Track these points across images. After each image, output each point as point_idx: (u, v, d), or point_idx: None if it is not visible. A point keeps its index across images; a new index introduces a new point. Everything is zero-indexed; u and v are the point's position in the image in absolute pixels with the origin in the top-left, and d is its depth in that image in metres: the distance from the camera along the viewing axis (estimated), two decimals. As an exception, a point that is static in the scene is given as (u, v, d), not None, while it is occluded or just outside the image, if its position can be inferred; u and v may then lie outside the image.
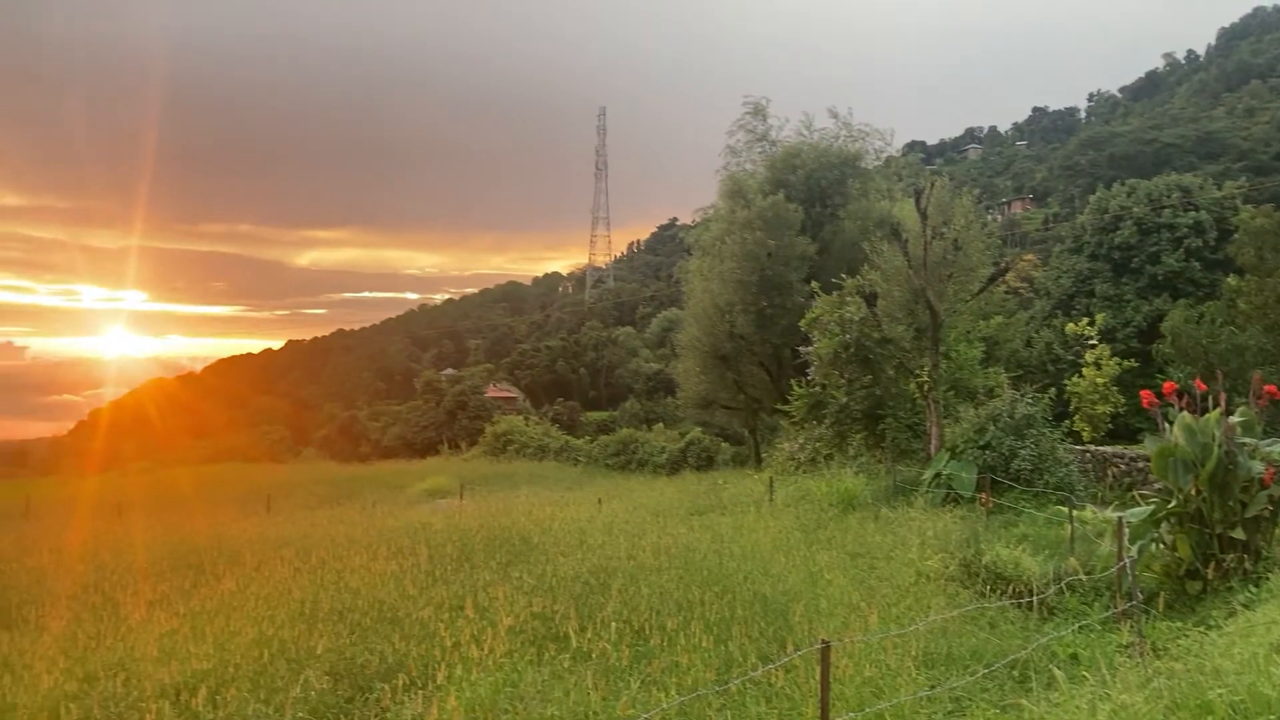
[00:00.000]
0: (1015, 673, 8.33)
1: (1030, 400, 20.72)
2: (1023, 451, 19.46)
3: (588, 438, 52.82)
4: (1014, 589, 11.26)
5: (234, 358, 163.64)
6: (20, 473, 61.27)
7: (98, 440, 66.22)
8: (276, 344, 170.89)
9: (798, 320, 29.22)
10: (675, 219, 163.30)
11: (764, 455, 36.76)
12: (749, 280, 34.84)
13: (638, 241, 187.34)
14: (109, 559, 13.87)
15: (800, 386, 27.57)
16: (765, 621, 9.40)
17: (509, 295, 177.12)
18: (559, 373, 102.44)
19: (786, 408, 28.59)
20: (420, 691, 7.55)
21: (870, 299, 24.33)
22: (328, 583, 11.20)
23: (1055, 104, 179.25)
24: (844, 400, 25.47)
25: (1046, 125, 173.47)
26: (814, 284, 28.53)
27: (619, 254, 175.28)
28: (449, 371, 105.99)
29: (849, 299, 25.50)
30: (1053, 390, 23.35)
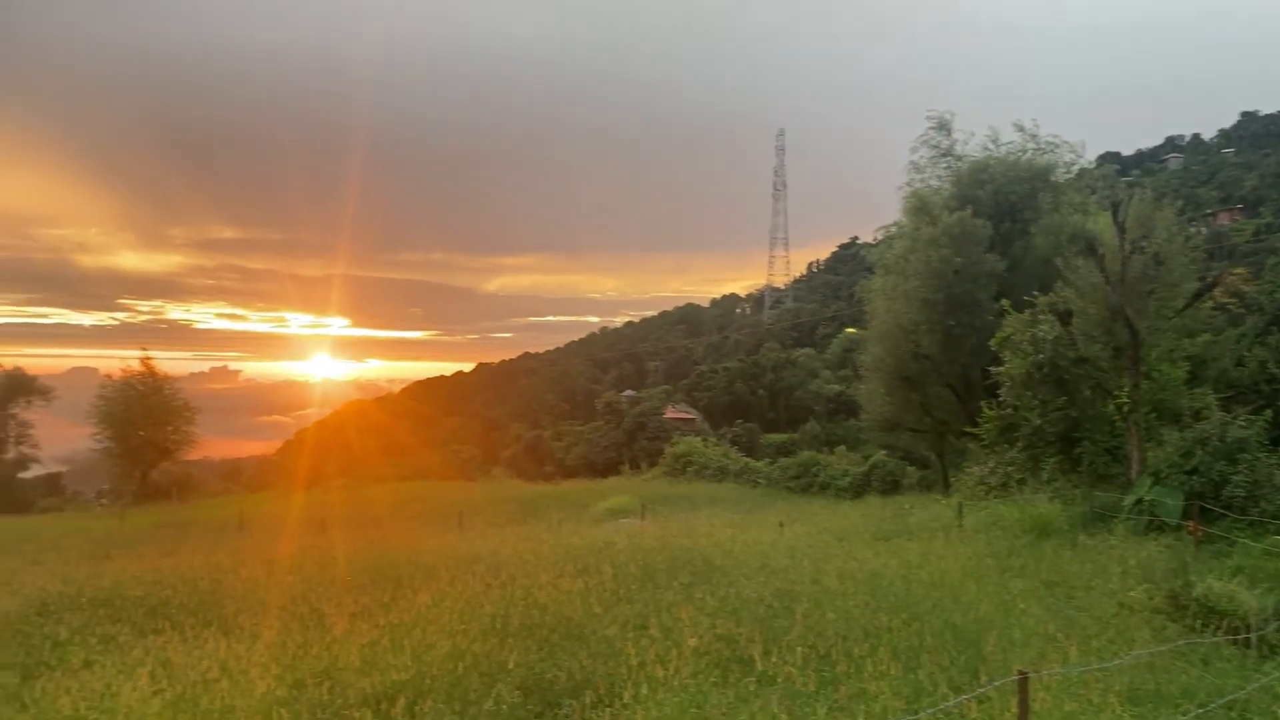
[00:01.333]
0: (1233, 714, 7.81)
1: (1243, 423, 19.40)
2: (1235, 477, 18.22)
3: (767, 460, 52.48)
4: (1229, 624, 10.55)
5: (427, 380, 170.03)
6: (234, 488, 65.24)
7: (303, 458, 69.89)
8: (467, 367, 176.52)
9: (987, 340, 28.27)
10: (856, 238, 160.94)
11: (951, 480, 35.63)
12: (935, 299, 33.93)
13: (817, 261, 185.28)
14: (315, 572, 14.62)
15: (990, 408, 26.61)
16: (956, 650, 9.12)
17: (687, 317, 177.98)
18: (737, 394, 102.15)
19: (975, 430, 27.64)
20: (608, 709, 7.66)
21: (1065, 317, 23.33)
22: (517, 599, 11.48)
23: (1267, 108, 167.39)
24: (1037, 423, 24.45)
25: (1258, 130, 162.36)
26: (1004, 302, 27.52)
27: (798, 274, 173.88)
28: (629, 393, 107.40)
29: (1042, 317, 24.51)
30: (1268, 412, 21.74)
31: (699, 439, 57.93)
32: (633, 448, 67.82)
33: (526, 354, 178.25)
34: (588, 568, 13.76)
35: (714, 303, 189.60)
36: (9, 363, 63.96)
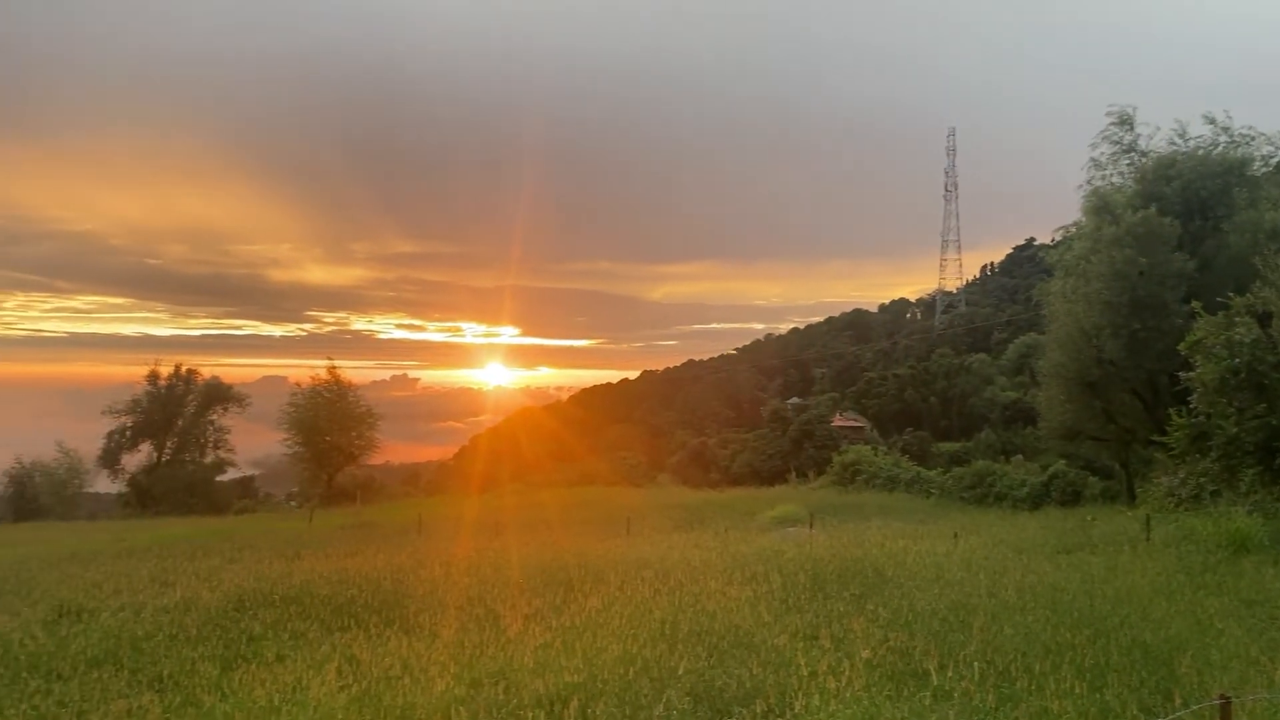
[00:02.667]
0: None
1: None
2: None
3: (940, 469, 51.07)
4: None
5: (594, 387, 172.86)
6: (413, 492, 67.68)
7: (477, 464, 71.97)
8: (632, 374, 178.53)
9: (1176, 344, 26.76)
10: (1032, 239, 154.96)
11: (1137, 491, 33.94)
12: (1118, 301, 32.37)
13: (991, 264, 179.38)
14: (490, 574, 15.03)
15: (1180, 416, 25.20)
16: (1146, 670, 8.67)
17: (854, 323, 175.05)
18: (908, 401, 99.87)
19: (1164, 439, 26.20)
20: (779, 719, 7.59)
21: (1264, 319, 21.90)
22: (686, 605, 11.52)
23: None
24: (1233, 431, 22.99)
25: None
26: (1194, 304, 26.04)
27: (970, 277, 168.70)
28: (795, 400, 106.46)
29: (1238, 319, 23.07)
30: None
31: (868, 447, 56.89)
32: (799, 456, 67.10)
33: (691, 361, 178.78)
34: (756, 576, 13.71)
35: (883, 308, 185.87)
36: (207, 372, 67.92)
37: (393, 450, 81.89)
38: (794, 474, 58.35)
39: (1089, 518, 25.37)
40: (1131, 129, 37.83)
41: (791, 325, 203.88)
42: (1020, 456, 61.82)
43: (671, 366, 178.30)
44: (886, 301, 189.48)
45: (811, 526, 26.45)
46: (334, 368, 58.48)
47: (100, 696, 8.96)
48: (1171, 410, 26.06)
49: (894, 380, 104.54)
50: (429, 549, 20.21)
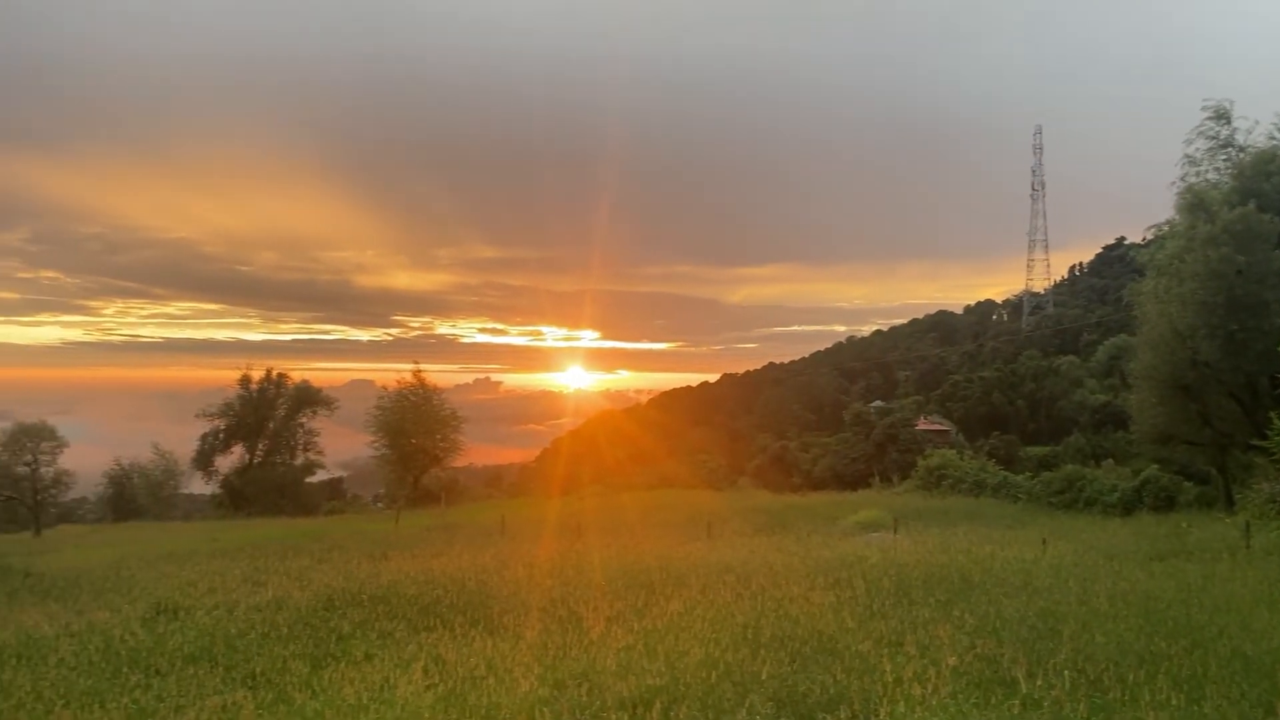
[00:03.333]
0: None
1: None
2: None
3: (1028, 474, 50.08)
4: None
5: (673, 391, 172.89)
6: (496, 494, 68.49)
7: (558, 467, 72.49)
8: (712, 377, 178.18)
9: (1276, 345, 25.92)
10: (1123, 238, 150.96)
11: (1236, 497, 32.87)
12: (1214, 302, 31.37)
13: (1080, 264, 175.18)
14: (572, 575, 15.13)
15: (1281, 419, 24.37)
16: (1246, 683, 8.38)
17: (939, 325, 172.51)
18: (994, 405, 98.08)
19: (1264, 444, 25.37)
20: (863, 725, 7.51)
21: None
22: (768, 610, 11.47)
23: None
24: (1340, 435, 22.19)
25: None
26: (1296, 303, 25.17)
27: (1059, 278, 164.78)
28: (878, 404, 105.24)
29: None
30: None
31: (953, 451, 56.05)
32: (883, 460, 66.41)
33: (771, 364, 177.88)
34: (839, 581, 13.59)
35: (968, 309, 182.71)
36: (297, 376, 69.42)
37: (476, 452, 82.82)
38: (877, 478, 57.69)
39: (1184, 524, 24.66)
40: (1229, 124, 36.67)
41: (874, 327, 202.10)
42: (1111, 461, 60.26)
43: (751, 369, 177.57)
44: (972, 303, 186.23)
45: (895, 532, 26.12)
46: (419, 371, 59.34)
47: (196, 692, 9.22)
48: (1273, 413, 25.21)
49: (980, 383, 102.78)
50: (512, 550, 20.40)
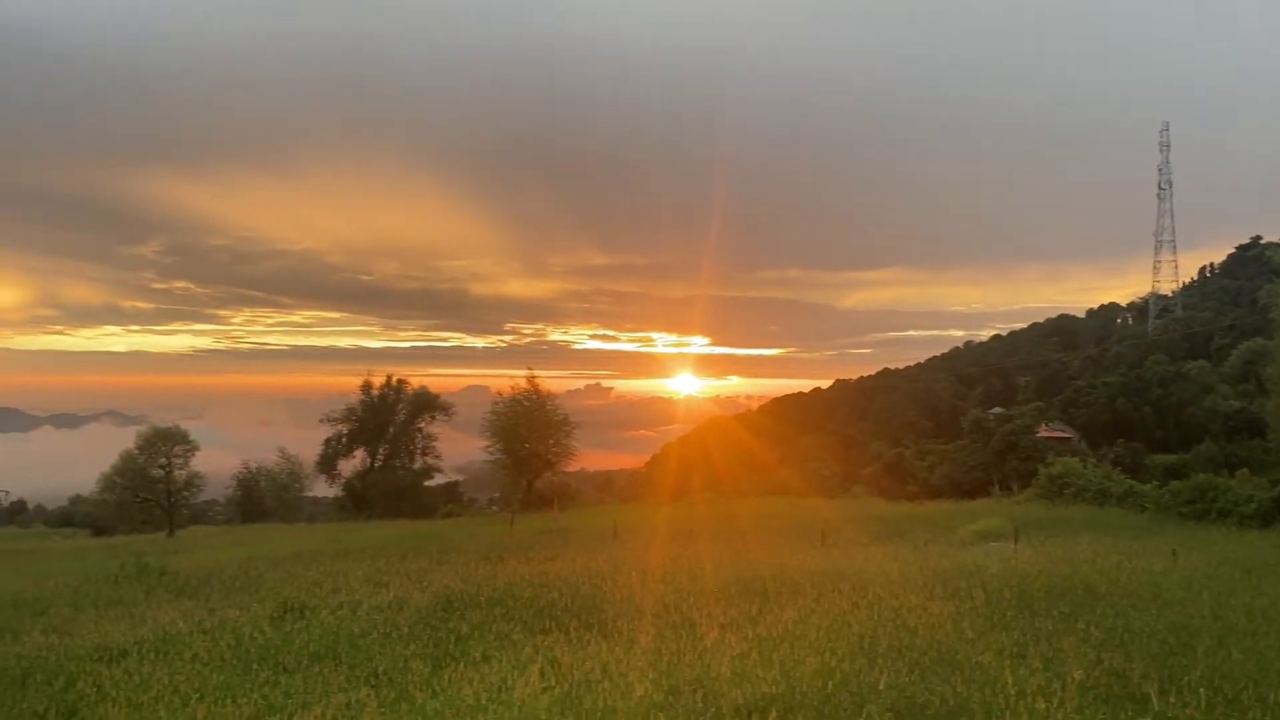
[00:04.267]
0: None
1: None
2: None
3: (1155, 483, 48.20)
4: None
5: (785, 397, 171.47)
6: (607, 499, 68.86)
7: (669, 473, 72.57)
8: (824, 383, 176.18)
9: None
10: (1258, 237, 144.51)
11: (1384, 508, 31.13)
12: (1359, 304, 29.85)
13: (1211, 265, 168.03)
14: (684, 582, 15.14)
15: None
16: (1399, 706, 7.93)
17: (1060, 329, 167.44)
18: (1119, 411, 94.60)
19: None
20: (985, 739, 7.34)
21: None
22: (884, 619, 11.30)
23: None
24: None
25: None
26: None
27: (1188, 279, 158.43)
28: (997, 410, 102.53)
29: None
30: None
31: (1076, 459, 54.22)
32: (1002, 468, 64.62)
33: (886, 370, 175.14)
34: (958, 591, 13.31)
35: (1091, 313, 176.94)
36: (416, 382, 71.06)
37: (587, 458, 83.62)
38: (996, 487, 56.22)
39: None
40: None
41: (992, 332, 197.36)
42: (1246, 470, 57.64)
43: (865, 375, 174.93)
44: (1095, 306, 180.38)
45: (1016, 541, 25.42)
46: (533, 377, 60.13)
47: (321, 690, 9.49)
48: None
49: (1104, 389, 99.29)
50: (624, 555, 20.51)
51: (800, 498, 52.54)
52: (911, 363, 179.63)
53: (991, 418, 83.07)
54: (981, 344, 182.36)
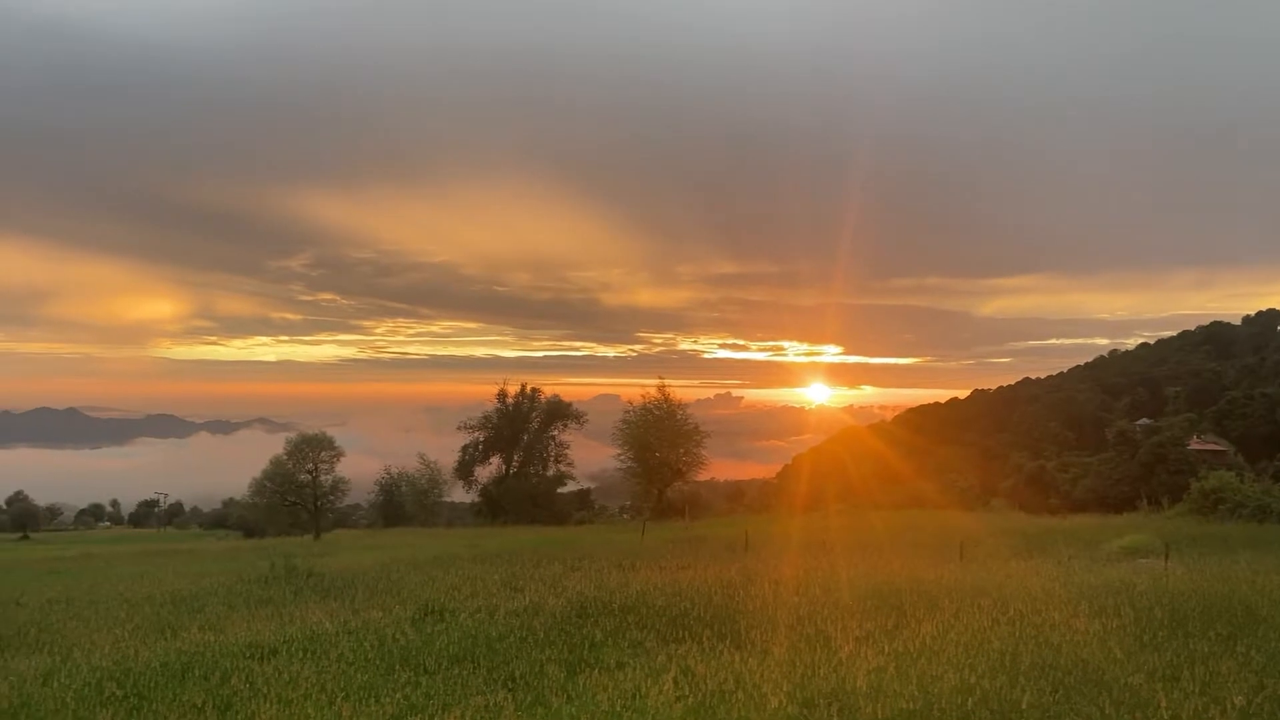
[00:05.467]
0: None
1: None
2: None
3: (1322, 499, 45.51)
4: None
5: (921, 407, 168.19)
6: (737, 509, 68.60)
7: (800, 483, 71.87)
8: (961, 393, 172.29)
9: None
10: None
11: None
12: None
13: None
14: (819, 594, 14.96)
15: None
16: None
17: (1213, 337, 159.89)
18: (1279, 424, 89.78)
19: None
20: (1136, 764, 7.06)
21: None
22: (1026, 636, 10.97)
23: None
24: None
25: None
26: None
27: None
28: (1144, 421, 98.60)
29: None
30: None
31: (1232, 473, 51.62)
32: (1150, 481, 62.04)
33: (1026, 379, 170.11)
34: (1104, 609, 12.81)
35: (1247, 320, 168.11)
36: (549, 390, 72.28)
37: (717, 467, 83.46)
38: (1144, 501, 53.94)
39: None
40: None
41: (1139, 340, 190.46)
42: None
43: (1005, 385, 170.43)
44: (1251, 313, 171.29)
45: (1167, 559, 24.34)
46: (663, 386, 60.38)
47: (461, 692, 9.71)
48: None
49: (1262, 400, 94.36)
50: (757, 566, 20.38)
51: (937, 510, 51.37)
52: (1053, 372, 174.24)
53: (1138, 429, 79.91)
54: (1128, 352, 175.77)
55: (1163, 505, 50.56)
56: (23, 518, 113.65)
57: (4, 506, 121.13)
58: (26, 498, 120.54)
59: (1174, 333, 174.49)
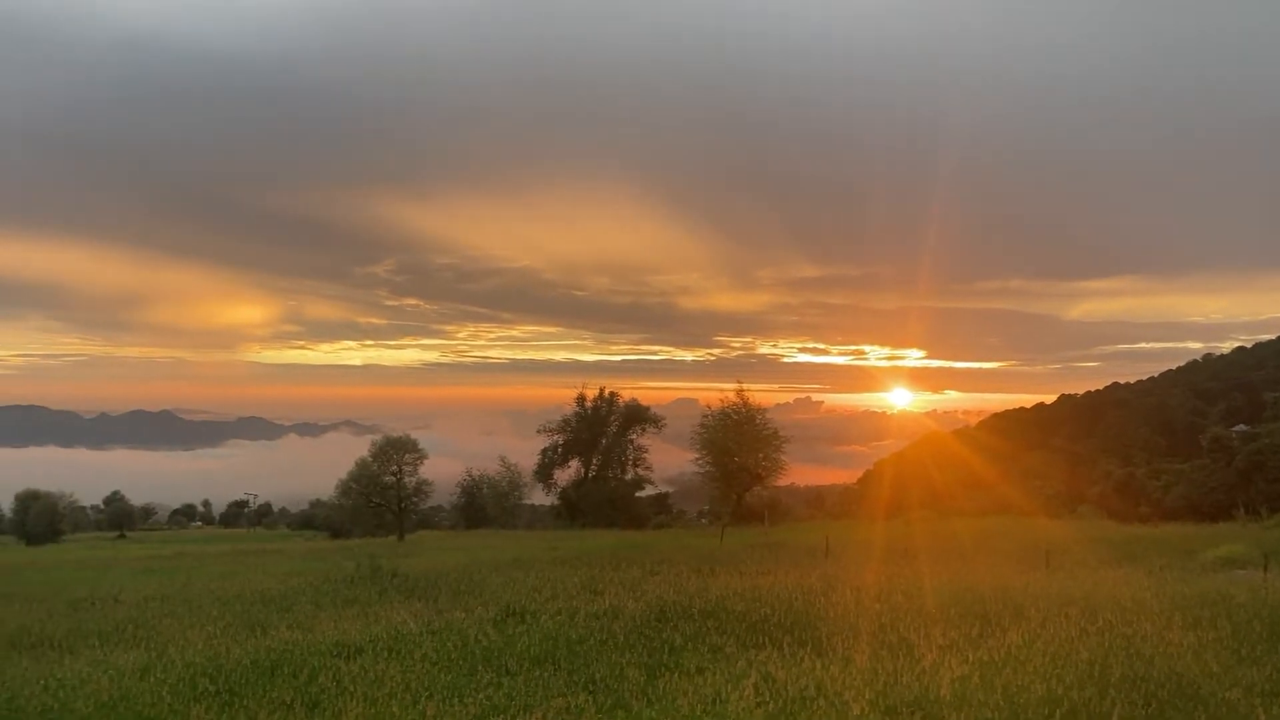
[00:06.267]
0: None
1: None
2: None
3: None
4: None
5: (1006, 412, 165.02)
6: (817, 515, 68.01)
7: (882, 489, 71.02)
8: (1048, 398, 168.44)
9: None
10: None
11: None
12: None
13: None
14: (901, 601, 14.78)
15: None
16: None
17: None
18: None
19: None
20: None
21: None
22: (1116, 647, 10.70)
23: None
24: None
25: None
26: None
27: None
28: (1241, 428, 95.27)
29: None
30: None
31: (1335, 482, 49.76)
32: (1247, 490, 59.96)
33: (1115, 384, 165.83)
34: (1199, 621, 12.44)
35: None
36: (627, 394, 72.47)
37: (797, 472, 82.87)
38: (1242, 510, 52.23)
39: None
40: None
41: (1235, 343, 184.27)
42: None
43: (1093, 390, 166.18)
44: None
45: (1266, 569, 23.53)
46: (742, 390, 60.09)
47: (542, 693, 9.79)
48: None
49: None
50: (837, 572, 20.21)
51: (1023, 517, 50.36)
52: (1143, 376, 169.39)
53: (1235, 436, 77.26)
54: (1222, 356, 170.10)
55: (1261, 515, 48.92)
56: (119, 517, 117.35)
57: (102, 506, 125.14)
58: (123, 498, 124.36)
59: (1272, 336, 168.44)
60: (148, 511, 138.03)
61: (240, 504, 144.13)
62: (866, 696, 8.84)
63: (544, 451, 70.61)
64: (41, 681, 11.04)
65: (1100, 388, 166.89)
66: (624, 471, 70.99)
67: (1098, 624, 12.13)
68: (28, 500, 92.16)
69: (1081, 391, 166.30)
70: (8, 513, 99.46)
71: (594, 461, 70.25)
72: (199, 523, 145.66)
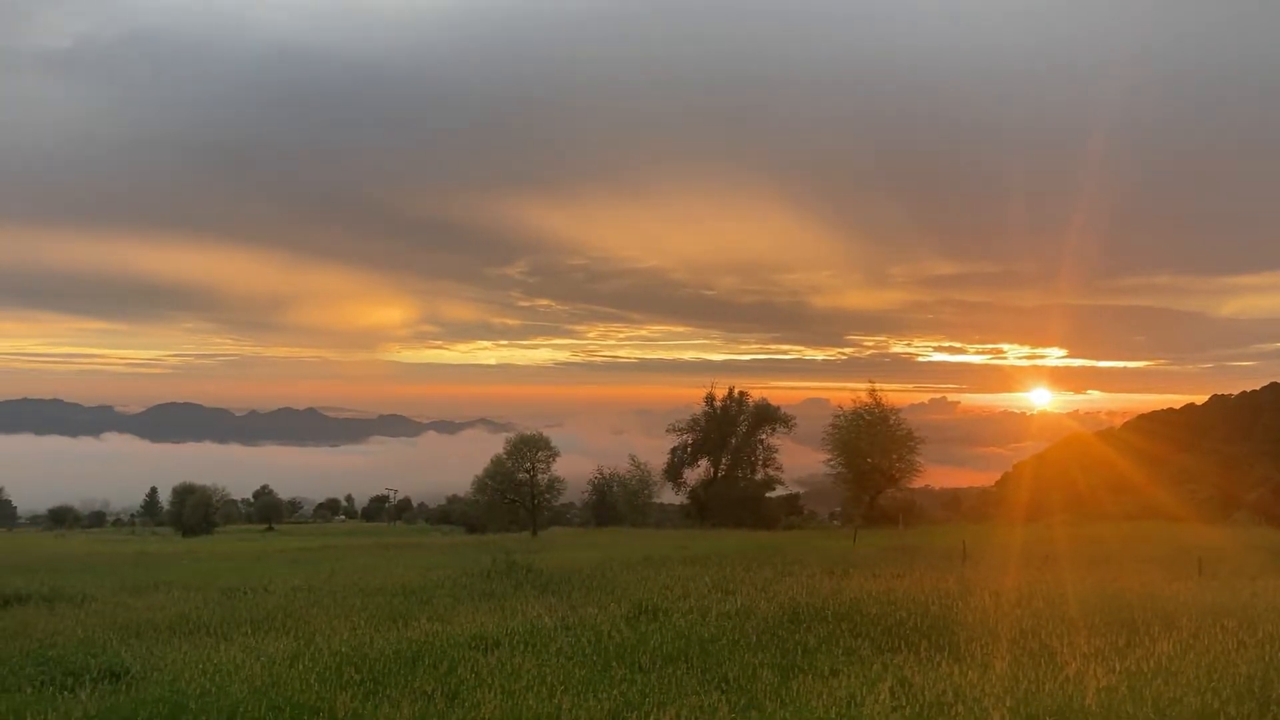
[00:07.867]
0: None
1: None
2: None
3: None
4: None
5: (1153, 413, 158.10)
6: (954, 517, 66.52)
7: (1022, 492, 68.97)
8: (1198, 398, 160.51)
9: None
10: None
11: None
12: None
13: None
14: (1042, 607, 14.34)
15: None
16: None
17: None
18: None
19: None
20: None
21: None
22: (1277, 661, 10.18)
23: None
24: None
25: None
26: None
27: None
28: None
29: None
30: None
31: None
32: None
33: (1274, 384, 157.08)
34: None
35: None
36: (756, 394, 72.05)
37: (932, 474, 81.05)
38: None
39: None
40: None
41: None
42: None
43: (1249, 390, 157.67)
44: None
45: None
46: (875, 390, 59.15)
47: (675, 691, 9.83)
48: None
49: None
50: (975, 577, 19.73)
51: (1172, 522, 48.26)
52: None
53: None
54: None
55: None
56: (267, 510, 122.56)
57: (251, 499, 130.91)
58: (271, 491, 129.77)
59: None
60: (294, 505, 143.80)
61: (381, 499, 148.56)
62: (1006, 704, 8.63)
63: (673, 451, 70.79)
64: (200, 665, 11.62)
65: (1257, 388, 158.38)
66: (754, 471, 70.61)
67: (1257, 636, 11.56)
68: (184, 493, 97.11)
69: (1236, 392, 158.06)
70: (166, 505, 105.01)
71: (723, 461, 70.07)
72: (342, 517, 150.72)
